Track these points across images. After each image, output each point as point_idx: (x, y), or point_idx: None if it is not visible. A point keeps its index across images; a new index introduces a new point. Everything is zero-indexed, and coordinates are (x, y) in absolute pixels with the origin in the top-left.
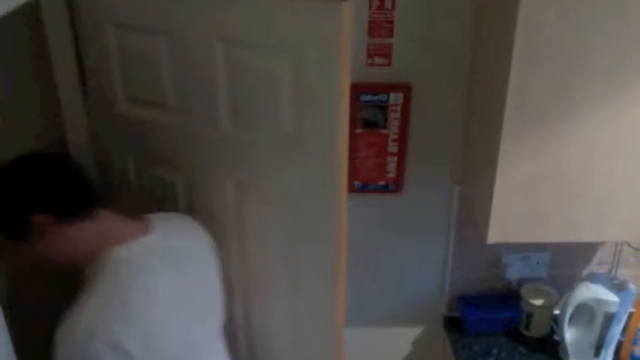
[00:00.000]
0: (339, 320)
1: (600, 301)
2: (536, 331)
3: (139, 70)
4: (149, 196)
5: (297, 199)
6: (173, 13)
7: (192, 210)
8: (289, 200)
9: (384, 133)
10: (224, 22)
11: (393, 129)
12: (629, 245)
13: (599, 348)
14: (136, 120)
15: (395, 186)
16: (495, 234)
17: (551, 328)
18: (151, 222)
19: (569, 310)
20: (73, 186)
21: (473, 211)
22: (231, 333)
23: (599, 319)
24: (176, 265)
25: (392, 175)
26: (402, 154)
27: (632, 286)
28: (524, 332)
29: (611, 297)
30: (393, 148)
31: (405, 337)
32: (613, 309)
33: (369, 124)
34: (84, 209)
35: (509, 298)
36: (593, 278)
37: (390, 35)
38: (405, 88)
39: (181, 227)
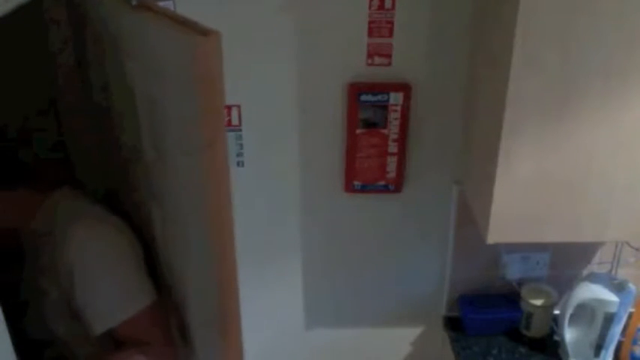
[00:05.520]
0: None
1: (600, 301)
2: (536, 331)
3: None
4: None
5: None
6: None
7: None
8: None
9: (384, 133)
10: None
11: (393, 129)
12: (629, 245)
13: (599, 348)
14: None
15: (395, 186)
16: (495, 234)
17: (551, 328)
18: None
19: (569, 310)
20: None
21: (473, 211)
22: None
23: (599, 319)
24: None
25: (392, 175)
26: (402, 154)
27: (632, 286)
28: (524, 332)
29: (611, 297)
30: (393, 148)
31: (405, 337)
32: (613, 309)
33: (369, 124)
34: None
35: (509, 298)
36: (593, 278)
37: (390, 35)
38: (405, 88)
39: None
